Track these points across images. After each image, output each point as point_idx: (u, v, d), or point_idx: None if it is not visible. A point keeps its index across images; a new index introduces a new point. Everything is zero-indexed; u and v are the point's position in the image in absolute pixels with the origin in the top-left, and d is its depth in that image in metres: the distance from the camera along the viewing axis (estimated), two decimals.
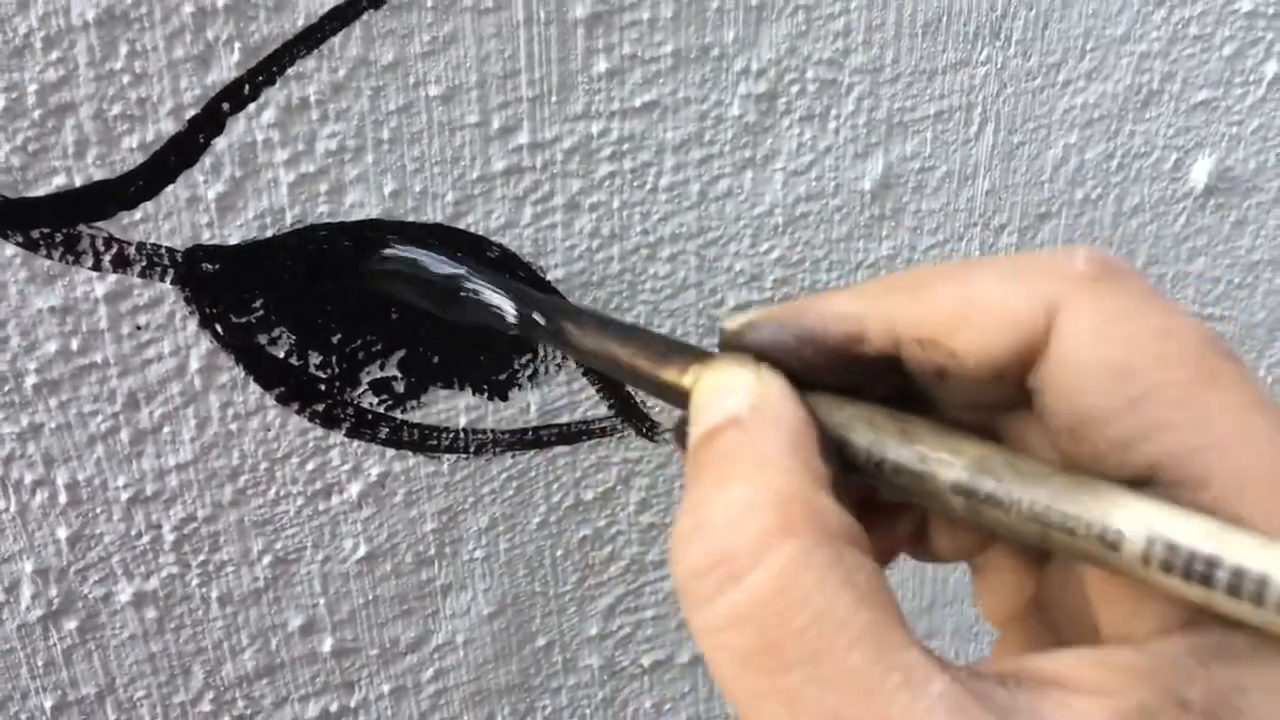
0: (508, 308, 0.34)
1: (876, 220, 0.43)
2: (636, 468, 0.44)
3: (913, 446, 0.22)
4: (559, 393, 0.41)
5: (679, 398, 0.26)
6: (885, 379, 0.24)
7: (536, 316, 0.32)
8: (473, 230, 0.38)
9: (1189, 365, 0.20)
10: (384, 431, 0.40)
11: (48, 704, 0.40)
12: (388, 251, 0.36)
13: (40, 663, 0.40)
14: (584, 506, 0.44)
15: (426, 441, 0.40)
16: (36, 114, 0.32)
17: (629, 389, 0.42)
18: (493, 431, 0.41)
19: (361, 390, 0.39)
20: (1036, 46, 0.42)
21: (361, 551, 0.42)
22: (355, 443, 0.40)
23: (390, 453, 0.40)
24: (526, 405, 0.41)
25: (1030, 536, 0.21)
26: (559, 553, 0.45)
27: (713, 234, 0.41)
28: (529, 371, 0.41)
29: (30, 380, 0.35)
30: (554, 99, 0.37)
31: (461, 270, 0.35)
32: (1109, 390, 0.21)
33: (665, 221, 0.40)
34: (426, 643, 0.45)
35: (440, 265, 0.35)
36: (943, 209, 0.44)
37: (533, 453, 0.42)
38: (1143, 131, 0.45)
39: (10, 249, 0.33)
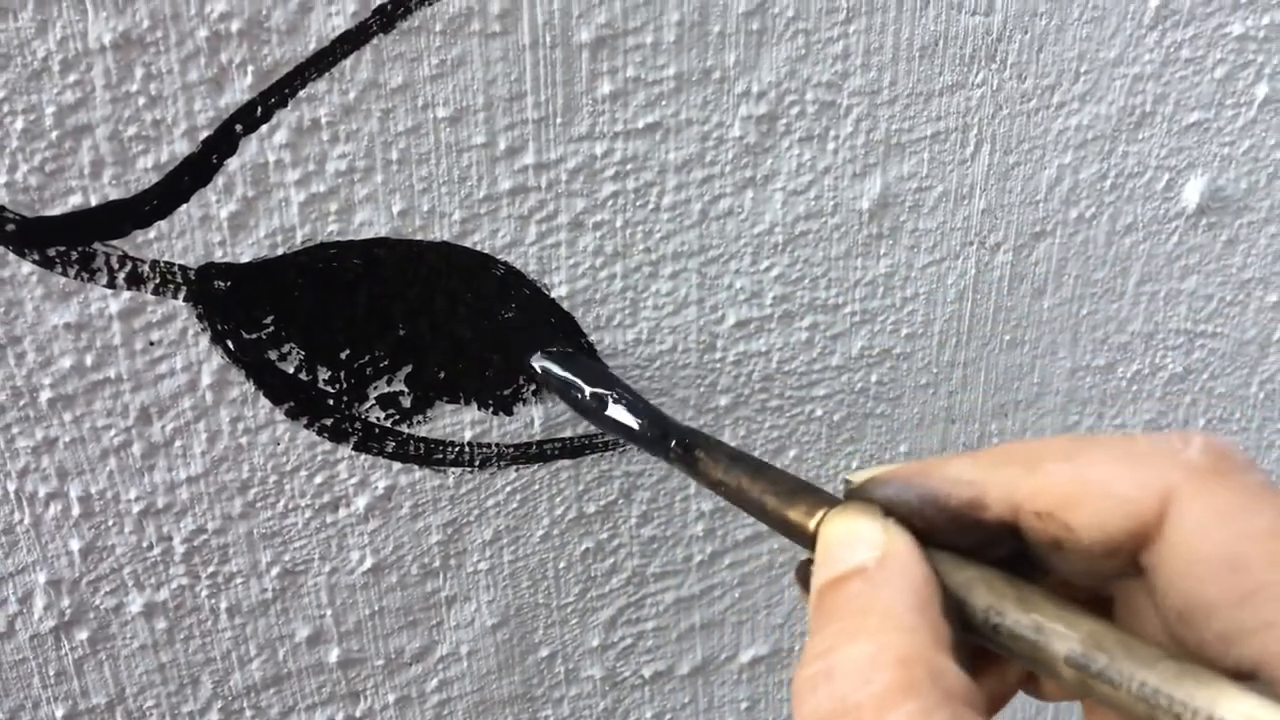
0: (643, 428, 0.37)
1: (874, 239, 0.44)
2: (638, 481, 0.45)
3: (1030, 615, 0.23)
4: (562, 408, 0.42)
5: (803, 539, 0.27)
6: (1004, 543, 0.25)
7: (671, 441, 0.35)
8: (479, 249, 0.38)
9: None
10: (390, 445, 0.40)
11: (59, 713, 0.41)
12: (549, 365, 0.40)
13: (52, 672, 0.40)
14: (586, 519, 0.45)
15: (432, 455, 0.41)
16: (54, 135, 0.33)
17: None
18: (497, 445, 0.42)
19: (369, 405, 0.40)
20: (1031, 69, 0.43)
21: (368, 563, 0.42)
22: (362, 456, 0.40)
23: (397, 466, 0.41)
24: (530, 420, 0.42)
25: (1138, 712, 0.22)
26: (561, 565, 0.46)
27: (714, 252, 0.42)
28: (533, 387, 0.41)
29: (45, 395, 0.36)
30: (559, 120, 0.37)
31: (609, 391, 0.38)
32: (1219, 583, 0.21)
33: (667, 240, 0.41)
34: (431, 653, 0.45)
35: (592, 381, 0.38)
36: (939, 228, 0.44)
37: (536, 466, 0.43)
38: (1136, 152, 0.46)
39: (27, 266, 0.34)
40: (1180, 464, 0.22)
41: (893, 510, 0.25)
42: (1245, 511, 0.21)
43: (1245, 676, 0.21)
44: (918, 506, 0.25)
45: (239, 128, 0.34)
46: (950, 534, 0.25)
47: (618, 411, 0.37)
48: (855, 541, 0.25)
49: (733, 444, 0.44)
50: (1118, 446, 0.23)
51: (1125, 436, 0.24)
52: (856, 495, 0.26)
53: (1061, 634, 0.23)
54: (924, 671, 0.21)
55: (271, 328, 0.37)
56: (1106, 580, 0.25)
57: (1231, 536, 0.21)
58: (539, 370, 0.40)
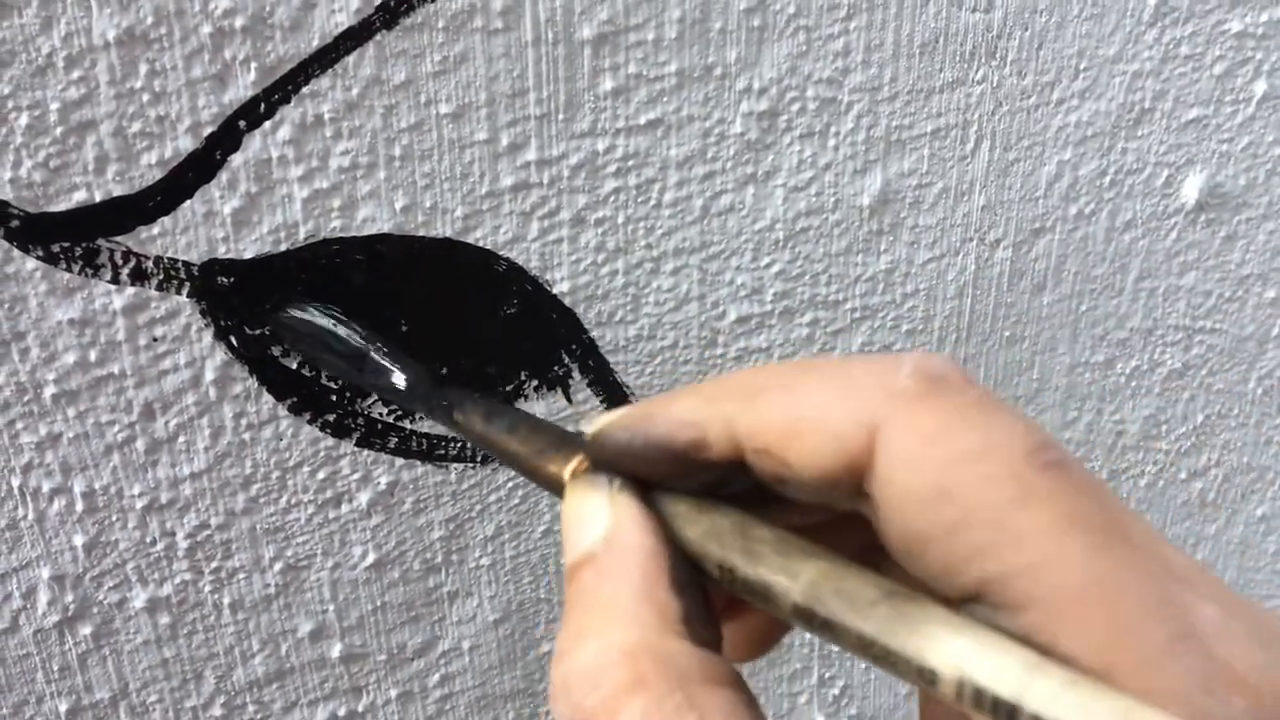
0: (401, 380, 0.35)
1: (875, 235, 0.44)
2: None
3: (755, 568, 0.23)
4: (563, 403, 0.42)
5: (561, 493, 0.26)
6: (739, 478, 0.24)
7: (427, 393, 0.34)
8: (481, 245, 0.38)
9: (1004, 485, 0.20)
10: (393, 441, 0.41)
11: (62, 708, 0.41)
12: (295, 313, 0.37)
13: (55, 667, 0.40)
14: None
15: (434, 451, 0.41)
16: (58, 131, 0.33)
17: (632, 400, 0.43)
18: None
19: (371, 401, 0.40)
20: (1031, 66, 0.43)
21: (370, 559, 0.43)
22: (365, 452, 0.40)
23: (399, 462, 0.41)
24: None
25: (867, 659, 0.21)
26: (563, 560, 0.46)
27: (715, 248, 0.42)
28: (534, 383, 0.41)
29: (49, 390, 0.36)
30: (561, 117, 0.38)
31: (364, 343, 0.36)
32: (927, 515, 0.20)
33: (669, 236, 0.41)
34: (433, 648, 0.45)
35: (349, 336, 0.37)
36: (939, 224, 0.45)
37: None
38: (1135, 149, 0.46)
39: (31, 263, 0.34)
40: (888, 391, 0.21)
41: (622, 463, 0.24)
42: (949, 435, 0.20)
43: (973, 602, 0.20)
44: (645, 454, 0.24)
45: (242, 124, 0.35)
46: (684, 477, 0.24)
47: (377, 363, 0.36)
48: (586, 520, 0.24)
49: None
50: (833, 375, 0.22)
51: (844, 360, 0.23)
52: (593, 450, 0.25)
53: (784, 586, 0.22)
54: (650, 662, 0.21)
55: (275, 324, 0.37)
56: (849, 506, 0.24)
57: (935, 464, 0.20)
58: (285, 319, 0.38)
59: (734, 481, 0.24)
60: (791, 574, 0.22)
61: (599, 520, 0.24)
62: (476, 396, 0.32)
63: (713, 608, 0.24)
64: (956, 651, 0.20)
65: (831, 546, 0.23)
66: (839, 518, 0.24)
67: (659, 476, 0.24)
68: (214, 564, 0.41)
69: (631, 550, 0.23)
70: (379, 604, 0.44)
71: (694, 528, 0.24)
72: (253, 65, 0.34)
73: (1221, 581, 0.21)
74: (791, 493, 0.23)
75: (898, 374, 0.22)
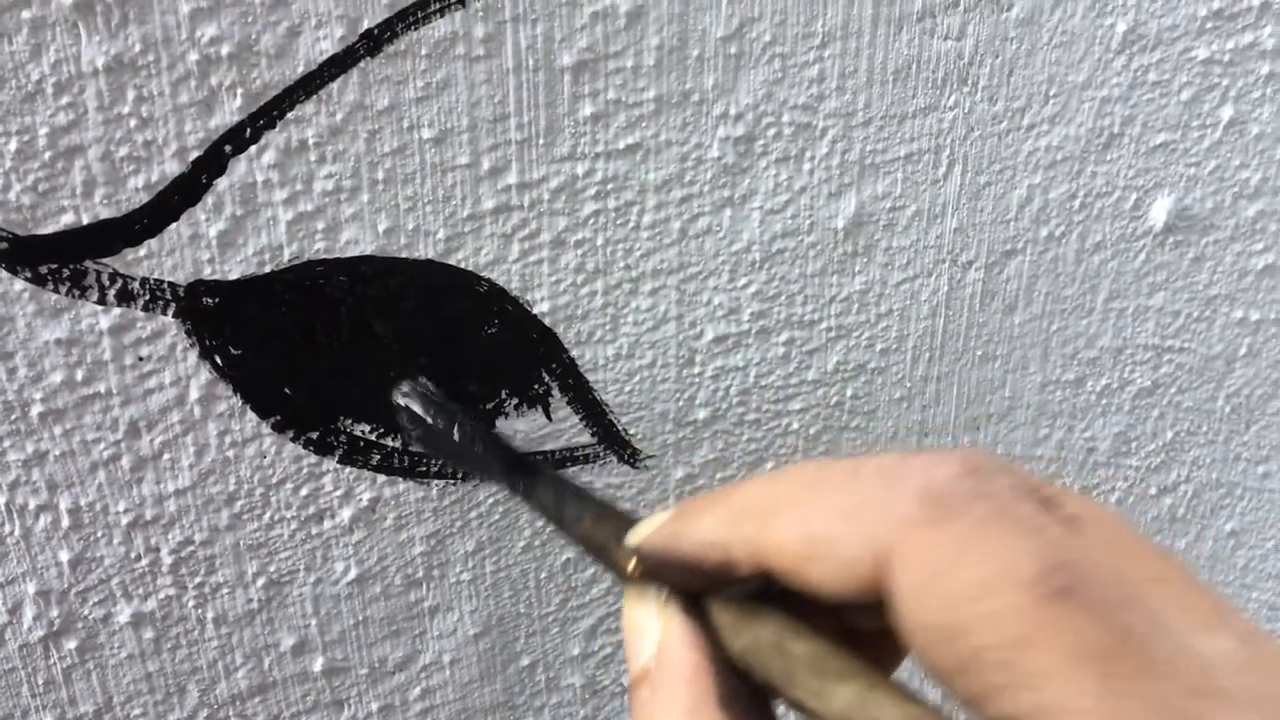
0: (483, 454, 0.37)
1: (849, 257, 0.45)
2: (619, 493, 0.46)
3: (791, 689, 0.23)
4: (543, 421, 0.43)
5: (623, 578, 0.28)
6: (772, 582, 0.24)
7: (508, 467, 0.36)
8: (462, 266, 0.39)
9: (1010, 623, 0.19)
10: (375, 458, 0.41)
11: None
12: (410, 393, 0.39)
13: (41, 681, 0.41)
14: None
15: (416, 468, 0.42)
16: (47, 155, 0.34)
17: (610, 418, 0.44)
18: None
19: (354, 419, 0.40)
20: (1002, 92, 0.44)
21: (352, 574, 0.43)
22: (347, 469, 0.41)
23: (381, 478, 0.42)
24: (513, 433, 0.43)
25: None
26: (543, 575, 0.46)
27: (693, 269, 0.42)
28: (515, 401, 0.42)
29: (36, 409, 0.37)
30: (541, 141, 0.38)
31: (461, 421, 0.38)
32: (941, 651, 0.20)
33: (647, 258, 0.42)
34: (414, 662, 0.46)
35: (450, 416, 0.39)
36: (912, 246, 0.45)
37: None
38: (1104, 172, 0.47)
39: (19, 284, 0.35)
40: (893, 517, 0.21)
41: (666, 575, 0.26)
42: (954, 568, 0.20)
43: None
44: (681, 576, 0.25)
45: (228, 148, 0.35)
46: (728, 586, 0.24)
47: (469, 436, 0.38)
48: (641, 634, 0.25)
49: (711, 457, 0.45)
50: (841, 495, 0.22)
51: (854, 474, 0.23)
52: (640, 562, 0.26)
53: (820, 711, 0.22)
54: None
55: (259, 343, 0.38)
56: (883, 620, 0.23)
57: (943, 601, 0.20)
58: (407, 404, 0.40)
59: (766, 584, 0.24)
60: (825, 699, 0.22)
61: (651, 635, 0.25)
62: (549, 476, 0.34)
63: (770, 713, 0.24)
64: None
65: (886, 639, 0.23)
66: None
67: (703, 588, 0.25)
68: (198, 579, 0.41)
69: (679, 668, 0.24)
70: (361, 618, 0.44)
71: (738, 641, 0.24)
72: (238, 91, 0.35)
73: (1265, 656, 0.20)
74: (828, 604, 0.23)
75: (902, 497, 0.21)
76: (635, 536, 0.27)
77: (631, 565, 0.27)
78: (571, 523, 0.31)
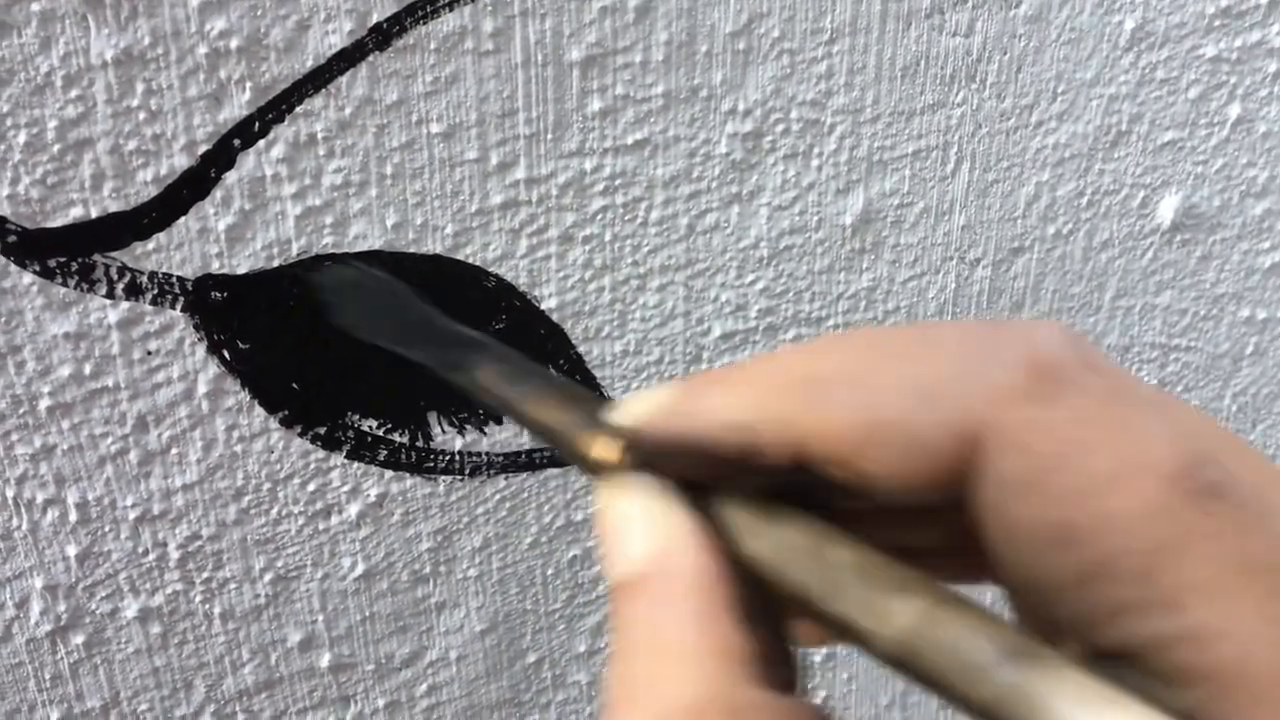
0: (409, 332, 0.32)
1: (857, 254, 0.45)
2: None
3: (838, 604, 0.18)
4: None
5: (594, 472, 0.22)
6: (801, 476, 0.19)
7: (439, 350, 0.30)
8: (470, 261, 0.39)
9: (1150, 524, 0.16)
10: (383, 454, 0.41)
11: (54, 717, 0.42)
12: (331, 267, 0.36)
13: (48, 676, 0.41)
14: (574, 527, 0.46)
15: (423, 463, 0.42)
16: (56, 149, 0.34)
17: None
18: (487, 454, 0.43)
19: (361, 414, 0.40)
20: (1010, 89, 0.44)
21: (359, 570, 0.43)
22: (355, 464, 0.41)
23: (388, 474, 0.42)
24: (520, 429, 0.43)
25: None
26: (549, 572, 0.46)
27: (700, 266, 0.42)
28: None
29: (44, 403, 0.37)
30: (550, 136, 0.38)
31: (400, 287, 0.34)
32: (1051, 560, 0.16)
33: (655, 254, 0.42)
34: (421, 658, 0.46)
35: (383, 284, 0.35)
36: (920, 243, 0.45)
37: (525, 475, 0.44)
38: (1112, 170, 0.47)
39: (28, 277, 0.35)
40: (987, 390, 0.17)
41: (662, 463, 0.21)
42: (1071, 455, 0.16)
43: (1119, 661, 0.16)
44: (686, 458, 0.20)
45: (237, 142, 0.35)
46: (734, 479, 0.20)
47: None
48: (628, 532, 0.20)
49: None
50: (916, 363, 0.18)
51: (928, 337, 0.18)
52: (629, 448, 0.21)
53: (874, 631, 0.18)
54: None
55: (267, 338, 0.38)
56: (947, 525, 0.19)
57: (1056, 496, 0.16)
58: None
59: (794, 479, 0.19)
60: (882, 617, 0.18)
61: (647, 536, 0.20)
62: (494, 350, 0.28)
63: (785, 636, 0.20)
64: None
65: (920, 536, 0.19)
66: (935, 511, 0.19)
67: (705, 479, 0.20)
68: (205, 574, 0.41)
69: (686, 573, 0.19)
70: (367, 614, 0.44)
71: (760, 543, 0.20)
72: (247, 85, 0.35)
73: None
74: (869, 502, 0.19)
75: (1003, 364, 0.17)
76: (627, 415, 0.21)
77: (618, 452, 0.21)
78: (526, 403, 0.25)
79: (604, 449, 0.22)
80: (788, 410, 0.18)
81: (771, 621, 0.20)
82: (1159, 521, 0.15)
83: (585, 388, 0.25)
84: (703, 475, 0.20)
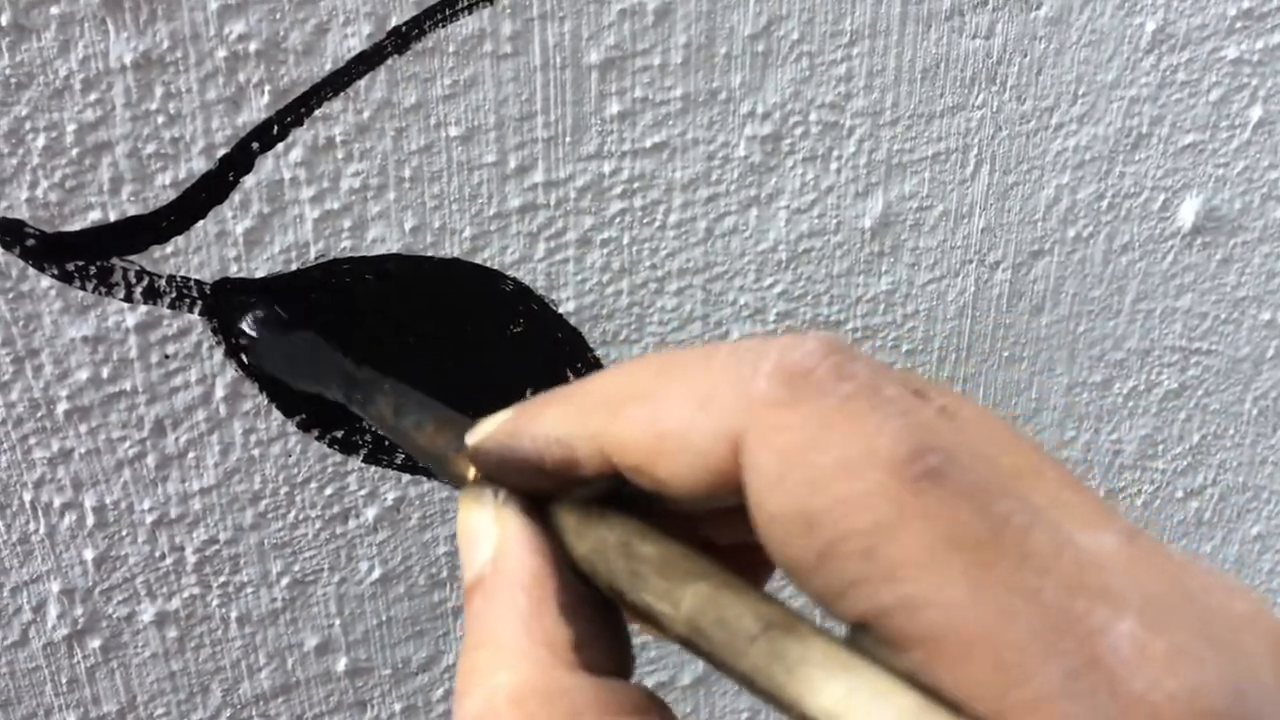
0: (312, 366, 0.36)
1: (876, 257, 0.44)
2: None
3: (639, 593, 0.21)
4: None
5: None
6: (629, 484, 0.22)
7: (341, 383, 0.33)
8: (489, 265, 0.39)
9: (871, 507, 0.17)
10: (400, 457, 0.41)
11: None
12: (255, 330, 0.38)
13: (64, 680, 0.41)
14: None
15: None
16: (74, 152, 0.34)
17: None
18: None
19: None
20: (1031, 91, 0.43)
21: (376, 574, 0.43)
22: (372, 468, 0.41)
23: (406, 478, 0.42)
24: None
25: (755, 696, 0.20)
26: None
27: (719, 269, 0.42)
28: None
29: (62, 407, 0.37)
30: (568, 140, 0.38)
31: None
32: (797, 542, 0.18)
33: (673, 257, 0.41)
34: (437, 663, 0.46)
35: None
36: (939, 246, 0.45)
37: None
38: (1132, 173, 0.47)
39: (46, 280, 0.35)
40: (747, 397, 0.19)
41: (505, 476, 0.23)
42: (810, 450, 0.18)
43: (861, 633, 0.18)
44: (520, 471, 0.22)
45: (255, 146, 0.35)
46: (573, 487, 0.22)
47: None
48: (475, 539, 0.23)
49: None
50: (693, 379, 0.20)
51: (706, 358, 0.20)
52: (477, 462, 0.24)
53: (668, 615, 0.20)
54: (539, 704, 0.20)
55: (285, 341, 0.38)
56: (740, 527, 0.21)
57: (798, 486, 0.18)
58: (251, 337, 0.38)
59: (616, 486, 0.22)
60: (674, 601, 0.20)
61: (487, 540, 0.22)
62: (387, 387, 0.31)
63: (619, 623, 0.22)
64: (833, 697, 0.18)
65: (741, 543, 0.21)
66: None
67: (545, 489, 0.23)
68: (222, 578, 0.41)
69: (516, 573, 0.22)
70: (384, 618, 0.44)
71: (581, 543, 0.22)
72: (266, 88, 0.34)
73: (1172, 563, 0.18)
74: (678, 506, 0.21)
75: (756, 376, 0.19)
76: (473, 436, 0.24)
77: (470, 469, 0.24)
78: (410, 432, 0.28)
79: (462, 465, 0.24)
80: (594, 426, 0.21)
81: (603, 613, 0.22)
82: (878, 504, 0.17)
83: (460, 415, 0.28)
84: (542, 486, 0.22)
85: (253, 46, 0.34)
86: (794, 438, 0.18)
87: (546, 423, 0.22)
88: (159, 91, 0.34)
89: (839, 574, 0.18)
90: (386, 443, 0.41)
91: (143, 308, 0.36)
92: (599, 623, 0.22)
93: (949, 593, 0.17)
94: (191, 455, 0.39)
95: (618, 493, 0.22)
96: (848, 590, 0.18)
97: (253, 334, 0.37)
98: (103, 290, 0.35)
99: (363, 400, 0.32)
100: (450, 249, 0.38)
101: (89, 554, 0.39)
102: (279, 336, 0.37)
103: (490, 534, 0.22)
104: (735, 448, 0.19)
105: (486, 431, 0.23)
